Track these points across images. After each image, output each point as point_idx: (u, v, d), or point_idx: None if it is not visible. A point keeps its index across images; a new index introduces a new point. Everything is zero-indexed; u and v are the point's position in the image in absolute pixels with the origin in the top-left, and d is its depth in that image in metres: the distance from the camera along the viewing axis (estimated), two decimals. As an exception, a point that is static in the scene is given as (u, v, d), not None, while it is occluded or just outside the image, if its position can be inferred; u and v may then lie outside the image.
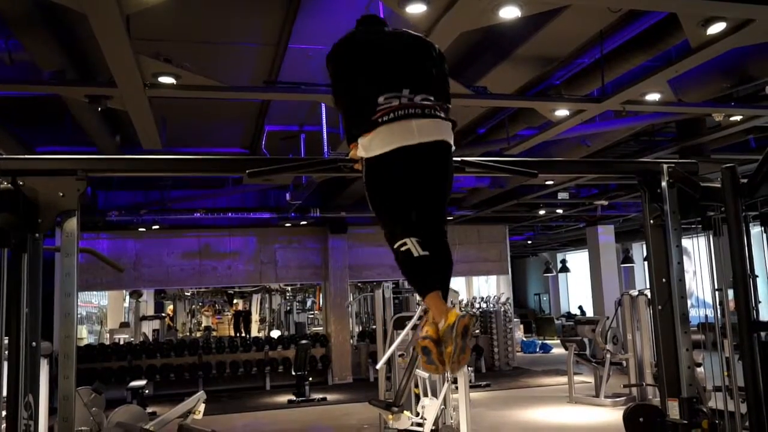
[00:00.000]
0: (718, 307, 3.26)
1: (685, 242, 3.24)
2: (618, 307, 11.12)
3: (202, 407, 7.06)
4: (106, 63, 5.11)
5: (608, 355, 10.68)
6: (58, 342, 2.62)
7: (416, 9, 4.52)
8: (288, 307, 23.13)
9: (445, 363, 2.32)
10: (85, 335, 19.55)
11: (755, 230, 3.30)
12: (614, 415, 9.48)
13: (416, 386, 7.02)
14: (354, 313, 18.68)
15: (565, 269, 23.23)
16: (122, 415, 6.77)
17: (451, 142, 2.54)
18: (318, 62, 6.41)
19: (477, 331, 15.80)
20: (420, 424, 6.55)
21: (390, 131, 2.41)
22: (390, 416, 6.40)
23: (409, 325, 4.91)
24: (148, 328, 18.68)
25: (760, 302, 3.08)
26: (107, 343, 15.99)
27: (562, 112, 7.04)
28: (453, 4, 4.42)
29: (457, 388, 7.16)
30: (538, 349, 19.52)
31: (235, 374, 14.04)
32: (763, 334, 2.99)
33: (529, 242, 21.92)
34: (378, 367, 5.95)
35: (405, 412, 6.50)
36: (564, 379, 11.82)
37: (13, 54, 5.55)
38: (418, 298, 2.59)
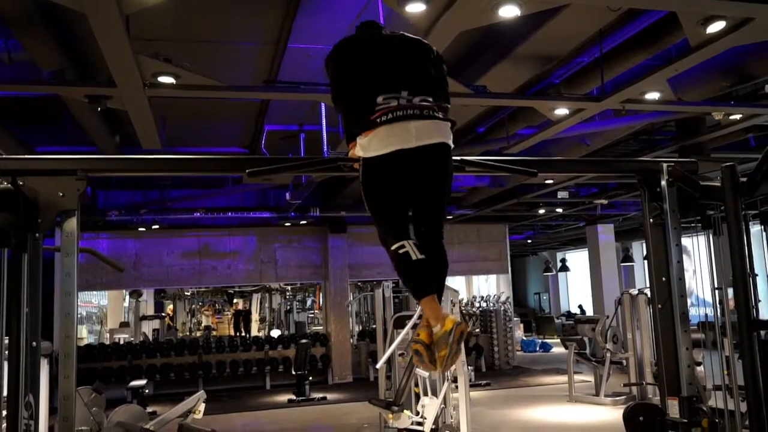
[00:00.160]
0: (717, 305, 3.26)
1: (685, 241, 3.24)
2: (618, 306, 11.12)
3: (202, 407, 7.06)
4: (106, 63, 5.11)
5: (608, 354, 10.69)
6: (58, 342, 2.62)
7: (416, 8, 4.52)
8: (288, 307, 23.13)
9: (437, 363, 2.36)
10: (85, 335, 19.55)
11: (755, 229, 3.30)
12: (614, 414, 9.49)
13: (416, 385, 7.02)
14: (354, 312, 18.68)
15: (564, 268, 23.23)
16: (122, 415, 6.77)
17: (450, 143, 2.54)
18: (318, 62, 6.42)
19: (477, 330, 15.82)
20: (420, 424, 6.56)
21: (388, 133, 2.42)
22: (390, 415, 6.41)
23: (409, 324, 4.91)
24: (148, 327, 18.67)
25: (759, 301, 3.08)
26: (107, 342, 16.00)
27: (561, 111, 7.04)
28: (452, 3, 4.42)
29: (457, 387, 7.16)
30: (538, 348, 19.52)
31: (235, 374, 14.05)
32: (762, 332, 2.99)
33: (529, 241, 21.92)
34: (378, 366, 5.94)
35: (405, 411, 6.50)
36: (564, 378, 11.82)
37: (12, 54, 5.55)
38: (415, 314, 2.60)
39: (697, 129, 8.36)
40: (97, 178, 10.67)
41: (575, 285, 24.99)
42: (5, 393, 2.53)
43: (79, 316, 2.76)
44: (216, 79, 5.81)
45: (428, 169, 2.48)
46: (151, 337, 17.60)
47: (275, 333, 17.59)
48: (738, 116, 7.44)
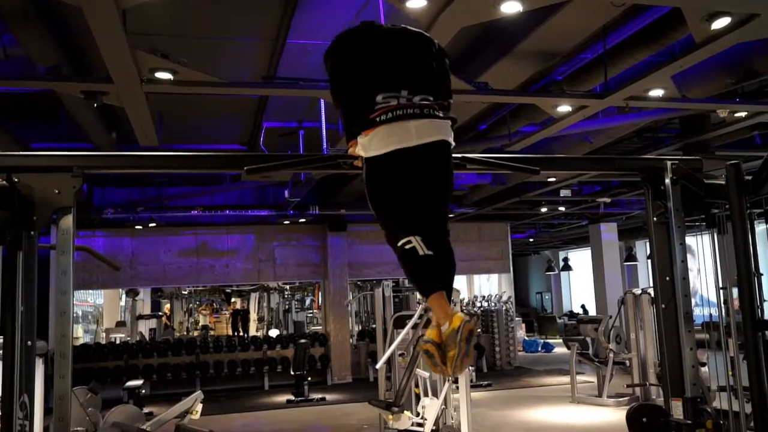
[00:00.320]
0: (722, 305, 3.26)
1: (689, 240, 3.24)
2: (621, 306, 11.12)
3: (199, 407, 7.06)
4: (103, 58, 5.11)
5: (611, 355, 10.69)
6: (53, 341, 2.62)
7: (416, 4, 4.52)
8: (286, 306, 23.14)
9: (448, 366, 2.30)
10: (80, 334, 19.55)
11: (760, 228, 3.30)
12: (617, 415, 9.49)
13: (416, 386, 7.03)
14: (353, 311, 18.69)
15: (567, 267, 23.24)
16: (119, 416, 6.78)
17: (451, 141, 2.54)
18: (317, 58, 6.40)
19: (478, 330, 15.81)
20: (420, 425, 6.56)
21: (388, 132, 2.41)
22: (390, 416, 6.41)
23: (410, 324, 4.92)
24: (144, 327, 18.68)
25: (765, 301, 3.08)
26: (103, 342, 16.02)
27: (564, 108, 7.04)
28: (454, -1, 4.42)
29: (458, 387, 7.17)
30: (540, 349, 19.53)
31: (233, 374, 14.05)
32: (768, 332, 3.00)
33: (531, 240, 21.93)
34: (378, 366, 5.94)
35: (405, 412, 6.50)
36: (566, 379, 11.83)
37: (7, 49, 5.54)
38: (419, 296, 2.57)
39: (701, 126, 8.36)
40: (93, 175, 10.66)
41: (578, 284, 25.00)
42: (0, 393, 2.53)
43: (74, 315, 2.76)
44: (214, 75, 5.81)
45: (429, 167, 2.48)
46: (147, 337, 17.61)
47: (274, 333, 17.61)
48: (743, 114, 7.44)
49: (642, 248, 20.54)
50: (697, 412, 3.05)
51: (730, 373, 3.36)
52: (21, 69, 5.93)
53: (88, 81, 5.94)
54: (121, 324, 18.40)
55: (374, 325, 13.94)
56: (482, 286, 24.43)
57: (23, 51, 5.55)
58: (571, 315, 23.01)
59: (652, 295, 8.58)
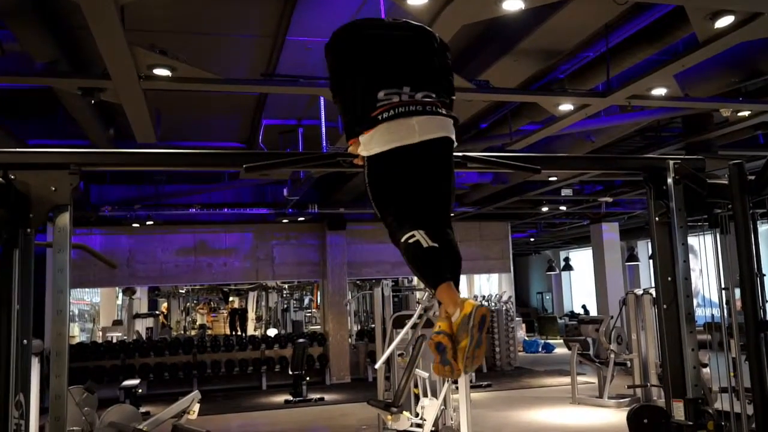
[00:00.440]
0: (724, 306, 3.26)
1: (691, 240, 3.24)
2: (622, 307, 11.12)
3: (196, 407, 7.07)
4: (100, 54, 5.11)
5: (612, 355, 10.70)
6: (49, 339, 2.62)
7: (418, 0, 4.52)
8: (285, 305, 23.15)
9: (458, 359, 2.22)
10: (77, 333, 19.56)
11: (763, 228, 3.30)
12: (618, 416, 9.49)
13: (416, 386, 7.03)
14: (352, 311, 18.69)
15: (568, 267, 23.25)
16: (115, 415, 6.78)
17: (453, 138, 2.54)
18: (317, 55, 6.40)
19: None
20: (420, 425, 6.56)
21: (390, 129, 2.42)
22: (389, 417, 6.41)
23: (409, 324, 4.91)
24: (141, 326, 18.68)
25: (767, 301, 3.08)
26: (100, 341, 16.01)
27: (566, 107, 7.04)
28: (455, -4, 4.42)
29: (457, 388, 7.17)
30: (540, 349, 19.54)
31: (230, 373, 14.06)
32: (770, 334, 3.00)
33: (532, 240, 21.93)
34: (377, 366, 5.94)
35: (404, 412, 6.50)
36: (567, 380, 11.83)
37: (4, 45, 5.54)
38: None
39: (704, 126, 8.36)
40: (89, 172, 10.66)
41: (579, 284, 25.01)
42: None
43: (71, 313, 2.76)
44: (213, 71, 5.81)
45: (432, 164, 2.48)
46: (144, 336, 17.61)
47: (272, 332, 17.61)
48: (746, 113, 7.44)
49: (644, 248, 20.55)
50: (698, 413, 3.05)
51: (731, 374, 3.36)
52: (18, 65, 5.92)
53: (85, 77, 5.94)
54: (117, 323, 18.40)
55: (373, 325, 13.95)
56: (482, 286, 24.44)
57: (20, 47, 5.54)
58: (572, 315, 23.02)
59: (654, 295, 8.59)
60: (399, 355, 7.62)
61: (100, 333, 18.02)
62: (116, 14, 4.43)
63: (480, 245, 16.18)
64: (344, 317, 15.28)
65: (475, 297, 19.20)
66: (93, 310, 21.36)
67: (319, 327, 17.45)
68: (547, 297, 27.18)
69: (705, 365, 6.13)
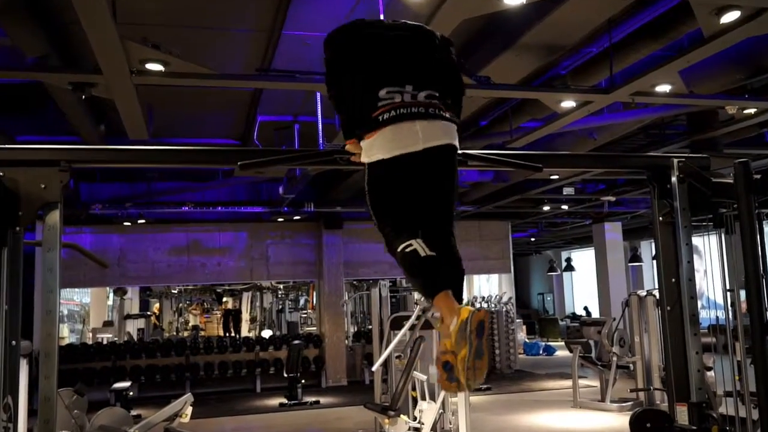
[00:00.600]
0: (729, 308, 3.27)
1: (696, 240, 3.25)
2: (625, 308, 11.14)
3: (189, 410, 7.06)
4: (91, 49, 5.10)
5: (615, 358, 10.71)
6: (38, 340, 2.62)
7: (417, -6, 4.52)
8: (280, 306, 23.14)
9: (461, 372, 2.14)
10: (66, 334, 19.53)
11: (769, 228, 3.31)
12: (620, 420, 9.51)
13: (414, 389, 7.03)
14: (349, 312, 18.69)
15: (570, 268, 23.26)
16: (105, 418, 6.78)
17: (457, 144, 2.51)
18: (314, 50, 6.41)
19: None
20: (418, 429, 6.56)
21: (393, 135, 2.38)
22: (386, 420, 6.41)
23: (407, 325, 4.92)
24: (132, 327, 18.66)
25: (773, 303, 3.08)
26: (90, 342, 15.99)
27: (568, 104, 7.05)
28: (455, -10, 4.42)
29: (456, 391, 7.16)
30: (541, 352, 19.56)
31: (224, 376, 14.05)
32: (776, 336, 3.00)
33: (533, 239, 21.95)
34: (374, 369, 5.95)
35: (402, 416, 6.51)
36: (568, 383, 11.85)
37: (-7, 39, 5.54)
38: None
39: (709, 123, 8.37)
40: (80, 169, 10.65)
41: (581, 285, 25.03)
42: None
43: (60, 314, 2.75)
44: (207, 66, 5.80)
45: (435, 172, 2.45)
46: (135, 337, 17.59)
47: (266, 333, 17.60)
48: (752, 110, 7.45)
49: (647, 249, 20.56)
50: (702, 417, 3.06)
51: (736, 377, 3.37)
52: (7, 59, 5.92)
53: (76, 72, 5.93)
54: (108, 324, 18.37)
55: (370, 326, 13.93)
56: (482, 287, 24.45)
57: (9, 41, 5.54)
58: (574, 317, 23.03)
59: (657, 296, 8.60)
60: (397, 357, 7.62)
61: (90, 334, 17.99)
62: (107, 7, 4.43)
63: (480, 245, 16.19)
64: (341, 318, 15.28)
65: (475, 298, 19.21)
66: (83, 310, 21.32)
67: (314, 328, 17.44)
68: (548, 298, 27.20)
69: (709, 368, 6.14)
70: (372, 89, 2.43)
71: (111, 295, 20.37)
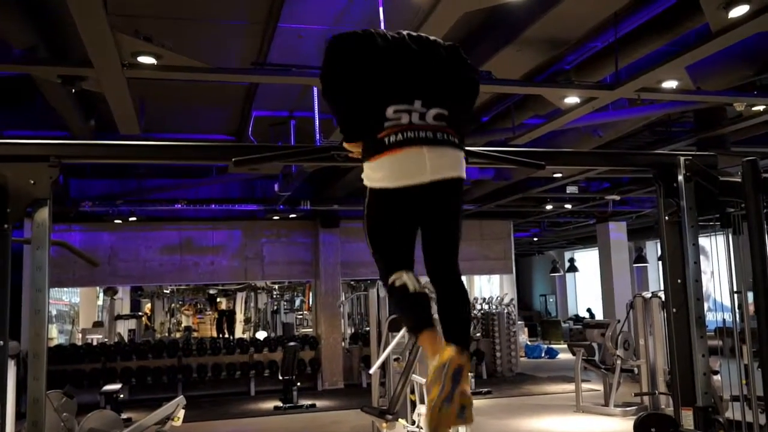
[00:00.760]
0: (736, 310, 3.27)
1: (703, 240, 3.26)
2: (630, 310, 11.16)
3: (181, 413, 7.07)
4: (81, 41, 5.09)
5: (619, 362, 10.72)
6: (27, 341, 2.62)
7: (417, -14, 4.52)
8: (275, 307, 23.17)
9: (428, 411, 2.14)
10: (55, 335, 19.52)
11: (777, 228, 3.31)
12: (624, 425, 9.53)
13: (412, 392, 7.04)
14: (346, 313, 18.69)
15: (573, 269, 23.30)
16: (95, 421, 6.78)
17: (464, 176, 2.47)
18: (310, 43, 6.42)
19: (478, 334, 15.84)
20: (416, 434, 6.57)
21: (399, 163, 2.34)
22: (384, 424, 6.42)
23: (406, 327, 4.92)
24: (123, 327, 18.67)
25: (781, 306, 3.09)
26: (79, 343, 15.99)
27: (572, 100, 7.05)
28: (456, -18, 4.42)
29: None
30: (543, 354, 19.59)
31: (217, 378, 14.06)
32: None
33: (535, 239, 21.96)
34: (371, 371, 5.96)
35: (400, 420, 6.51)
36: (571, 387, 11.86)
37: (-21, 30, 5.53)
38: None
39: (717, 121, 8.38)
40: (69, 165, 10.64)
41: (584, 287, 25.06)
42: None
43: (49, 314, 2.75)
44: (200, 60, 5.80)
45: (441, 207, 2.44)
46: (126, 338, 17.60)
47: (261, 335, 17.63)
48: (761, 108, 7.45)
49: (652, 249, 20.59)
50: (708, 422, 3.06)
51: (743, 381, 3.37)
52: (-6, 51, 5.91)
53: (66, 65, 5.92)
54: (98, 324, 18.37)
55: (368, 328, 13.94)
56: (483, 288, 24.47)
57: (-3, 32, 5.53)
58: (577, 319, 23.07)
59: (663, 298, 8.61)
60: (395, 359, 7.63)
61: (80, 335, 18.00)
62: (99, -2, 4.42)
63: (480, 245, 16.20)
64: (337, 320, 15.28)
65: (476, 299, 19.24)
66: (72, 311, 21.33)
67: (310, 330, 17.46)
68: (551, 299, 27.24)
69: (716, 372, 6.15)
70: (379, 106, 2.38)
71: (101, 295, 20.37)
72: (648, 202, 14.12)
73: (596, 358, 11.44)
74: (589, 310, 22.98)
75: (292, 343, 13.11)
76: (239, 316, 24.13)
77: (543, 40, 6.28)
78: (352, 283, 19.23)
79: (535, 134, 8.31)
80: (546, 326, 24.42)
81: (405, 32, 2.59)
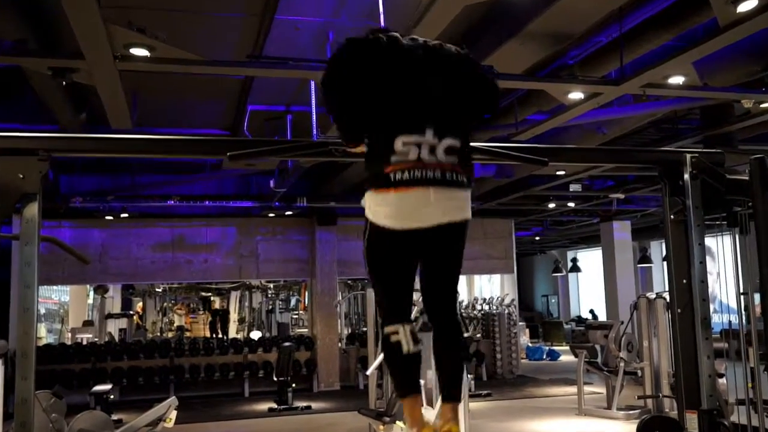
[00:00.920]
0: (743, 312, 3.27)
1: (709, 240, 3.26)
2: (633, 311, 11.16)
3: (173, 415, 7.07)
4: (72, 32, 5.09)
5: (622, 364, 10.73)
6: (15, 339, 2.62)
7: (417, -22, 4.52)
8: (270, 306, 23.15)
9: None
10: (44, 334, 19.49)
11: (785, 228, 3.31)
12: (628, 428, 9.53)
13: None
14: (343, 313, 18.71)
15: (576, 269, 23.30)
16: (85, 422, 6.78)
17: (469, 216, 2.46)
18: (308, 35, 6.41)
19: (478, 335, 15.86)
20: (414, 437, 6.57)
21: (404, 204, 2.32)
22: (381, 427, 6.43)
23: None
24: (114, 327, 18.66)
25: (789, 307, 3.10)
26: (69, 343, 15.97)
27: (576, 95, 7.05)
28: (458, -26, 4.42)
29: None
30: (544, 356, 19.60)
31: (210, 379, 14.05)
32: (791, 342, 3.02)
33: (537, 238, 21.98)
34: (368, 373, 5.95)
35: (397, 422, 6.52)
36: (573, 389, 11.87)
37: (-32, 20, 5.52)
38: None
39: (724, 118, 8.39)
40: (59, 160, 10.63)
41: (587, 287, 25.07)
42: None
43: (37, 312, 2.75)
44: (195, 52, 5.79)
45: (444, 247, 2.45)
46: (117, 338, 17.60)
47: (255, 335, 17.61)
48: (769, 104, 7.46)
49: (657, 249, 20.60)
50: (713, 426, 3.07)
51: (749, 385, 3.38)
52: (-18, 42, 5.90)
53: (56, 56, 5.92)
54: (88, 323, 18.35)
55: (365, 328, 13.95)
56: (483, 288, 24.47)
57: (-15, 22, 5.53)
58: (579, 320, 23.08)
59: (668, 299, 8.62)
60: (392, 360, 7.63)
61: (69, 334, 17.97)
62: (90, -12, 4.42)
63: (481, 244, 16.20)
64: (334, 319, 15.28)
65: (476, 299, 19.26)
66: (62, 309, 21.31)
67: (306, 330, 17.45)
68: (553, 300, 27.25)
69: (721, 375, 6.16)
70: (388, 135, 2.34)
71: (91, 293, 20.36)
72: (653, 201, 14.13)
73: (599, 360, 11.46)
74: (591, 312, 23.00)
75: (287, 344, 13.12)
76: (233, 316, 24.13)
77: (546, 34, 6.28)
78: (349, 282, 19.22)
79: (538, 130, 8.32)
80: (548, 327, 24.44)
81: (421, 39, 2.50)
